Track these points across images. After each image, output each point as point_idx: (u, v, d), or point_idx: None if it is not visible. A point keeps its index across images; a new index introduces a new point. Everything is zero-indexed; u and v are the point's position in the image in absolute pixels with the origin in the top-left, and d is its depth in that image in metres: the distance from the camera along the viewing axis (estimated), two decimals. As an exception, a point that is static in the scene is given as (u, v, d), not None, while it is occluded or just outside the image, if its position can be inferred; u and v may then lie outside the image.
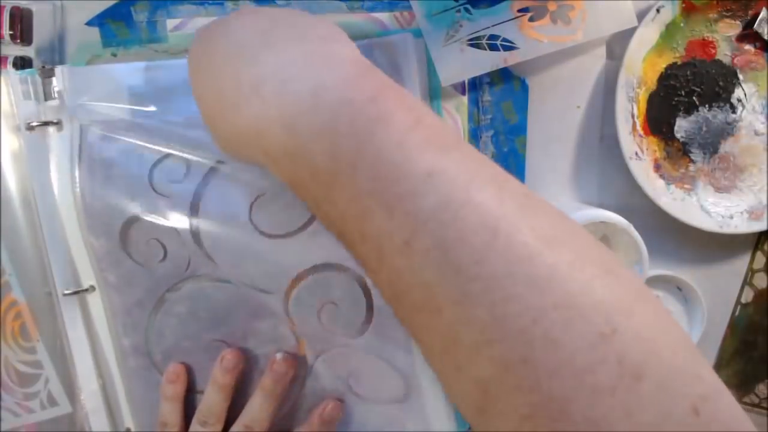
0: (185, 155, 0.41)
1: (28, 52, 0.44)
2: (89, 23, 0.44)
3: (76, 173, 0.42)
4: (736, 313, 0.50)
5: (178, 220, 0.41)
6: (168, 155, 0.41)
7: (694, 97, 0.46)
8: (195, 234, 0.41)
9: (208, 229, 0.41)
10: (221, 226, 0.41)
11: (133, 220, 0.42)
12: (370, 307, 0.42)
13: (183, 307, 0.43)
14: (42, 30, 0.45)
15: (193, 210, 0.41)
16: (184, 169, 0.41)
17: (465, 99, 0.46)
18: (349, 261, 0.41)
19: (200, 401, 0.43)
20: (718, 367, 0.50)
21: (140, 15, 0.44)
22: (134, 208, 0.41)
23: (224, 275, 0.42)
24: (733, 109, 0.47)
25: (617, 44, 0.47)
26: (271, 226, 0.40)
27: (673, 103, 0.46)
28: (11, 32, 0.43)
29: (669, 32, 0.45)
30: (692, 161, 0.47)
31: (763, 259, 0.49)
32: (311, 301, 0.41)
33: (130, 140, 0.41)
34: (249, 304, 0.42)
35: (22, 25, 0.44)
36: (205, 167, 0.41)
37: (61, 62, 0.46)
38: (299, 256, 0.41)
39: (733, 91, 0.46)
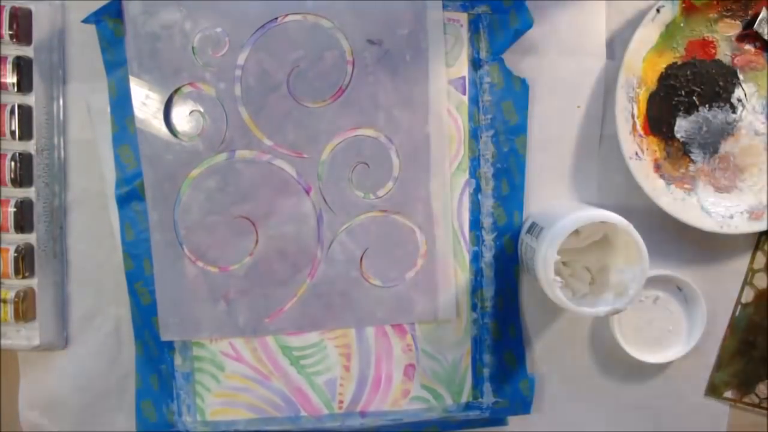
0: (227, 27, 0.44)
1: (28, 51, 0.44)
2: (85, 21, 0.44)
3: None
4: (736, 313, 0.50)
5: (222, 90, 0.44)
6: (209, 27, 0.44)
7: (694, 97, 0.46)
8: (237, 103, 0.45)
9: (250, 98, 0.45)
10: (262, 97, 0.45)
11: (177, 92, 0.44)
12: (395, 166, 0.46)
13: (212, 181, 0.45)
14: (41, 29, 0.45)
15: (236, 80, 0.44)
16: (226, 41, 0.44)
17: (465, 99, 0.46)
18: (378, 125, 0.46)
19: (223, 279, 0.46)
20: (718, 367, 0.50)
21: None
22: (179, 81, 0.44)
23: (261, 145, 0.45)
24: (733, 109, 0.47)
25: (617, 44, 0.47)
26: (307, 95, 0.45)
27: (673, 103, 0.46)
28: (11, 32, 0.43)
29: (669, 32, 0.45)
30: (692, 161, 0.47)
31: (763, 259, 0.49)
32: (345, 161, 0.45)
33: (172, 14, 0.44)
34: (276, 181, 0.45)
35: (21, 24, 0.44)
36: (245, 39, 0.44)
37: (62, 62, 0.46)
38: (334, 122, 0.45)
39: (733, 91, 0.46)
